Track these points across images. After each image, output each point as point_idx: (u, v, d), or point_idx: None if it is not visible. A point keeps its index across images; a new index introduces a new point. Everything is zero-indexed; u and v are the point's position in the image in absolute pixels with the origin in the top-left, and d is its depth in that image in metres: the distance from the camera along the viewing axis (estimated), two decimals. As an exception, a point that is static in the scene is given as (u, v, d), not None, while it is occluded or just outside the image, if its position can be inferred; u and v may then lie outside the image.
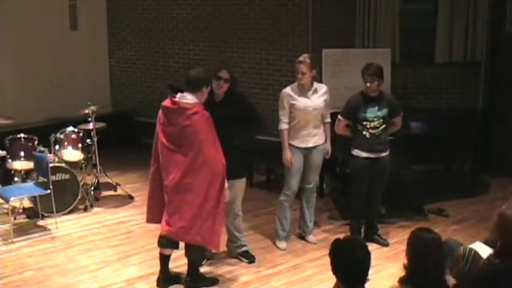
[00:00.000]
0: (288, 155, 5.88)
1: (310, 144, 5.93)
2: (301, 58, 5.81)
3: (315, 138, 5.95)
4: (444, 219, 6.84)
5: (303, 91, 5.85)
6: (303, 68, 5.75)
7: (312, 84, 5.88)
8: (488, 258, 3.60)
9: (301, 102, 5.83)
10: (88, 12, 9.89)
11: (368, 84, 5.78)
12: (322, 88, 5.98)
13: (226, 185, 5.05)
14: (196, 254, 5.19)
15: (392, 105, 5.95)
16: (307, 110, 5.85)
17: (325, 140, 6.03)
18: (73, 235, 6.44)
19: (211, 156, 4.88)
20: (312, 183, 6.11)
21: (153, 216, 5.26)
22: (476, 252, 3.70)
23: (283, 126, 5.88)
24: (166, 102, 5.03)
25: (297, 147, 5.91)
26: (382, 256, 5.83)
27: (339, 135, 6.24)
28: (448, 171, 7.78)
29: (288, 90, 5.89)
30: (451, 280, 3.77)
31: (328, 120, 6.05)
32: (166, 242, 5.14)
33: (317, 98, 5.90)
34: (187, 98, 4.94)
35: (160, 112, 5.07)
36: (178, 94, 4.99)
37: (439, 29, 8.31)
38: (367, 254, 3.26)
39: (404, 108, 6.18)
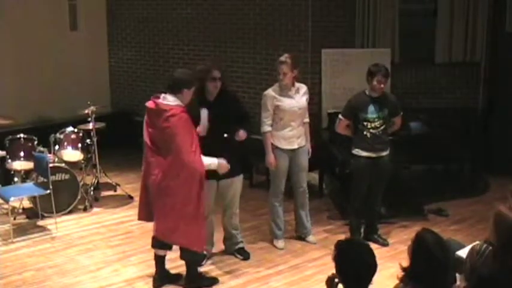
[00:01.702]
0: (271, 158, 5.85)
1: (296, 146, 5.91)
2: (282, 58, 5.77)
3: (299, 139, 5.93)
4: (444, 219, 6.84)
5: (286, 91, 5.82)
6: (284, 69, 5.72)
7: (293, 84, 5.86)
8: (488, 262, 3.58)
9: (285, 102, 5.81)
10: (88, 13, 9.89)
11: (382, 86, 5.76)
12: (303, 88, 5.95)
13: (208, 186, 5.06)
14: (191, 255, 5.17)
15: (393, 105, 5.95)
16: (293, 110, 5.83)
17: (306, 140, 6.02)
18: (73, 235, 6.44)
19: (189, 160, 4.81)
20: (303, 185, 6.08)
21: (144, 214, 5.24)
22: (491, 250, 3.70)
23: (266, 128, 5.84)
24: (149, 103, 5.01)
25: (283, 149, 5.88)
26: (383, 256, 5.81)
27: (338, 135, 6.24)
28: (447, 171, 7.78)
29: (270, 92, 5.85)
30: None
31: (307, 120, 6.04)
32: (158, 244, 5.18)
33: (300, 98, 5.89)
34: (168, 100, 4.90)
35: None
36: (162, 95, 4.96)
37: (439, 29, 8.31)
38: (374, 257, 3.25)
39: (404, 108, 6.18)
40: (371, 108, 5.81)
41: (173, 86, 4.93)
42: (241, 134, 5.44)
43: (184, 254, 5.16)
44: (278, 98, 5.81)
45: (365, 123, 5.83)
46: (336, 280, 3.27)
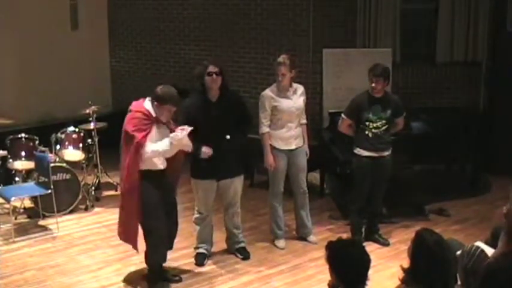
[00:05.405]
0: (270, 159, 5.84)
1: (293, 147, 5.91)
2: (280, 59, 5.76)
3: (297, 140, 5.93)
4: (445, 219, 6.83)
5: (283, 92, 5.81)
6: (283, 70, 5.71)
7: (291, 85, 5.85)
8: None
9: (283, 103, 5.80)
10: (89, 12, 9.89)
11: (373, 85, 5.75)
12: (300, 88, 5.94)
13: None
14: (150, 258, 5.24)
15: (396, 106, 5.94)
16: (291, 111, 5.82)
17: (304, 141, 6.01)
18: (74, 235, 6.44)
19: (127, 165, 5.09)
20: (303, 186, 6.07)
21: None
22: (483, 251, 3.68)
23: (265, 129, 5.83)
24: None
25: (281, 150, 5.87)
26: (383, 256, 5.83)
27: (340, 134, 6.24)
28: (449, 171, 7.77)
29: (268, 92, 5.84)
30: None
31: (305, 121, 6.04)
32: None
33: (297, 98, 5.88)
34: (145, 102, 5.06)
35: None
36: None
37: (440, 28, 8.31)
38: (366, 252, 3.26)
39: (405, 108, 6.17)
40: (373, 108, 5.80)
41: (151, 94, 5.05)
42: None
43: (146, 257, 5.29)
44: (276, 99, 5.80)
45: (367, 123, 5.82)
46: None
